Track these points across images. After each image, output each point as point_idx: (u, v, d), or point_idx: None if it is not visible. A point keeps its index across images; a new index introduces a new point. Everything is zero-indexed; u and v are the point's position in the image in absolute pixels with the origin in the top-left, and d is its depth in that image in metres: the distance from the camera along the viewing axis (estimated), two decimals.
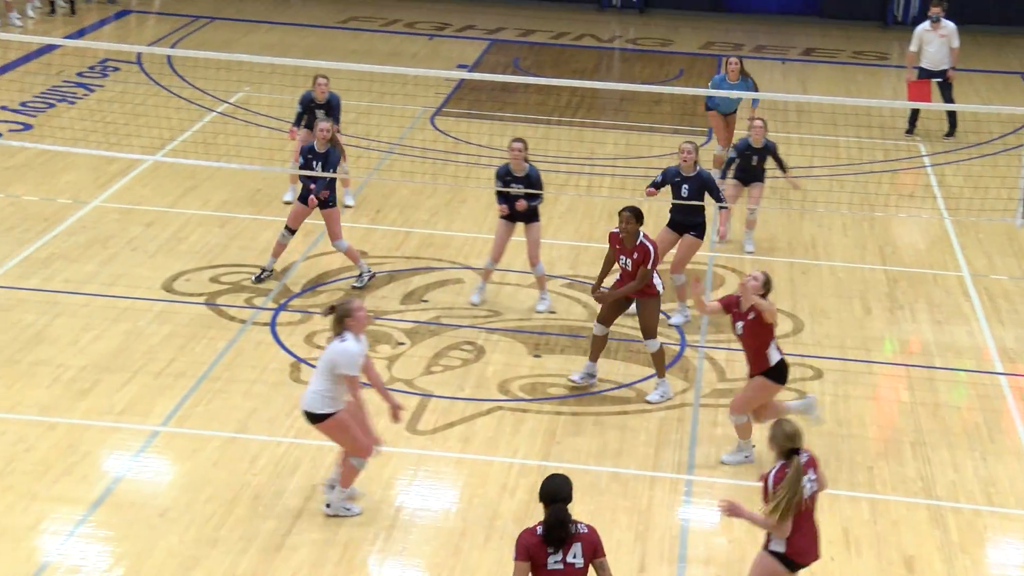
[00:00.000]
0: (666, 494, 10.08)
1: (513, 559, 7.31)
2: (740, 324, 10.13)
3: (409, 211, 15.44)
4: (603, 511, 9.74)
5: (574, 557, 7.26)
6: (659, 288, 11.32)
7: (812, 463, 8.04)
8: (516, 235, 13.11)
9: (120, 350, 11.67)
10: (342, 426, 9.25)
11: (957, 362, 12.46)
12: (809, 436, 9.36)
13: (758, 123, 14.53)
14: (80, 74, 19.90)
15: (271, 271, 13.21)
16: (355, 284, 13.19)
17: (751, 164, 14.60)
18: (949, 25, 18.76)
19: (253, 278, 13.16)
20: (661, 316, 11.88)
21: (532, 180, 12.67)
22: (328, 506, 9.50)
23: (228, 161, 15.63)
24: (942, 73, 18.83)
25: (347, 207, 15.31)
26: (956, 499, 10.20)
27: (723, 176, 14.54)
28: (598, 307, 13.17)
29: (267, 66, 18.03)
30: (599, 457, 10.51)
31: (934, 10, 18.83)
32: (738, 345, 12.45)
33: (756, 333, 10.10)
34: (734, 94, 15.43)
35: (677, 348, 12.45)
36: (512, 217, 12.82)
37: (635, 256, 11.20)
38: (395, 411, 9.40)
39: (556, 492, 7.32)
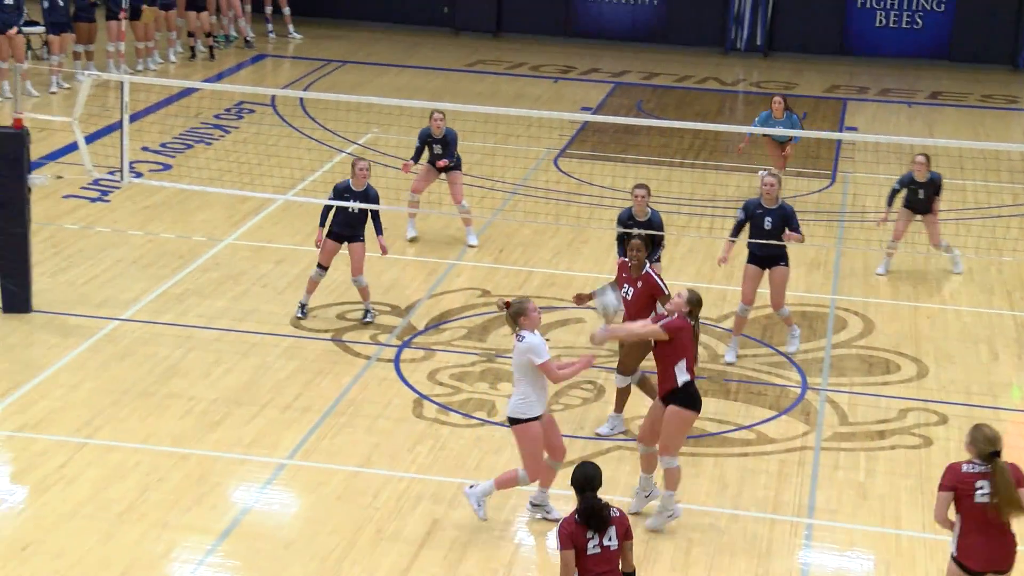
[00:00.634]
0: (786, 537, 10.04)
1: (559, 550, 7.68)
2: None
3: (532, 251, 15.63)
4: (722, 553, 9.75)
5: (609, 540, 7.70)
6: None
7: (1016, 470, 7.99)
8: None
9: (249, 384, 12.00)
10: (534, 438, 9.65)
11: None
12: None
13: (920, 159, 14.97)
14: (217, 116, 20.53)
15: (305, 304, 13.45)
16: (365, 320, 13.37)
17: (917, 197, 15.02)
18: None
19: (298, 312, 13.42)
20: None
21: (654, 224, 12.76)
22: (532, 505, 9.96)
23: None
24: None
25: (470, 246, 15.56)
26: None
27: (888, 204, 15.15)
28: (718, 349, 13.21)
29: (395, 108, 18.46)
30: (718, 498, 10.51)
31: None
32: (861, 388, 12.42)
33: (661, 351, 9.78)
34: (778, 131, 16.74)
35: (798, 390, 12.40)
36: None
37: (638, 286, 11.23)
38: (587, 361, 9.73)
39: (590, 480, 7.79)
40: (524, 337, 9.62)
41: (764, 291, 13.14)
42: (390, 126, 19.59)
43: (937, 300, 14.70)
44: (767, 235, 12.72)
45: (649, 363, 10.66)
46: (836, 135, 19.98)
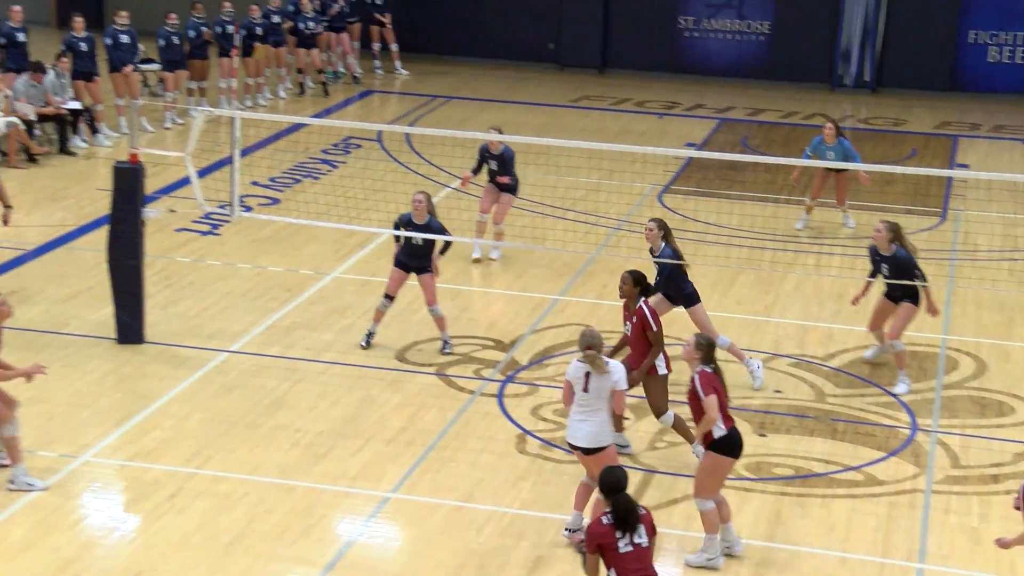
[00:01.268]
0: None
1: (587, 553, 8.07)
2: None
3: None
4: None
5: (639, 537, 8.09)
6: (660, 370, 11.25)
7: None
8: (770, 314, 13.08)
9: (354, 417, 12.10)
10: (613, 456, 9.87)
11: None
12: None
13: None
14: (325, 151, 20.82)
15: (373, 333, 13.55)
16: (444, 351, 13.43)
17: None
18: None
19: (363, 341, 13.52)
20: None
21: (664, 257, 12.57)
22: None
23: (460, 235, 16.10)
24: None
25: (490, 259, 15.84)
26: None
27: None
28: (824, 388, 13.05)
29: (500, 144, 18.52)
30: (826, 540, 10.36)
31: None
32: (973, 430, 12.17)
33: (695, 407, 9.75)
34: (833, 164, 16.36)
35: (908, 431, 12.19)
36: None
37: (634, 320, 11.21)
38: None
39: (620, 482, 8.19)
40: (609, 363, 9.75)
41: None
42: (493, 161, 19.65)
43: None
44: (889, 278, 12.98)
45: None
46: (946, 172, 19.69)
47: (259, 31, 23.06)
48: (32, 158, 19.35)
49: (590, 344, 9.78)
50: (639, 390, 11.41)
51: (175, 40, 21.66)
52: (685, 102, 25.58)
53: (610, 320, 14.56)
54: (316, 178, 19.40)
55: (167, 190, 18.17)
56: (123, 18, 21.00)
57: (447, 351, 13.47)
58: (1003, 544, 8.95)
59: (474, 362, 13.36)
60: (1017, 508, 8.61)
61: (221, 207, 15.07)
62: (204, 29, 22.18)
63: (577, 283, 15.64)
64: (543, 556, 9.95)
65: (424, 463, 11.31)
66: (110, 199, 13.24)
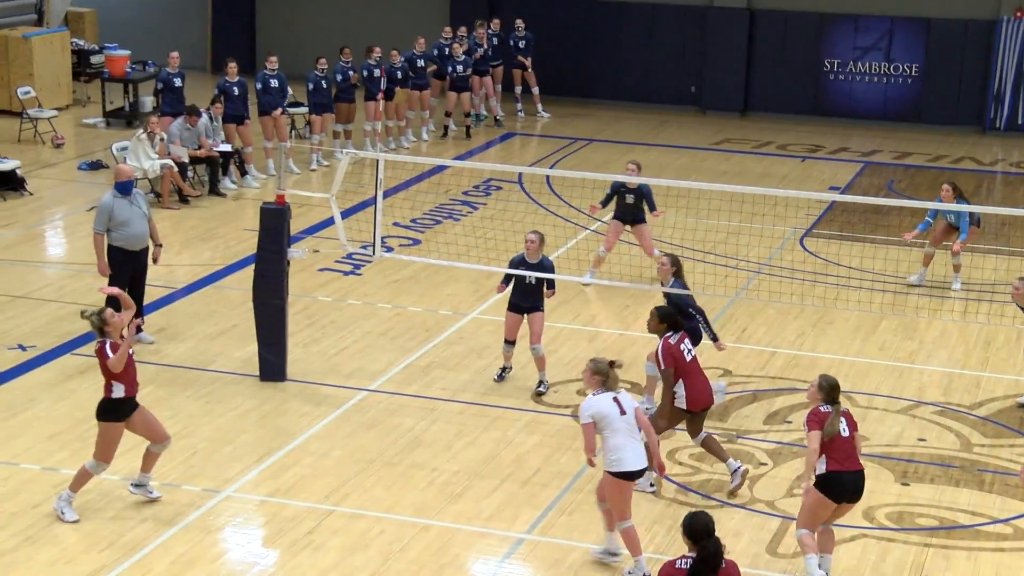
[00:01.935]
0: None
1: None
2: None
3: (775, 331, 15.40)
4: None
5: None
6: (678, 403, 11.26)
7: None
8: (881, 357, 12.80)
9: (490, 457, 12.15)
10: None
11: None
12: None
13: None
14: (465, 193, 21.04)
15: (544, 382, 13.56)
16: (539, 390, 13.42)
17: None
18: None
19: (497, 376, 13.62)
20: None
21: (678, 290, 12.63)
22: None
23: (599, 278, 16.11)
24: None
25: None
26: None
27: None
28: (971, 437, 12.71)
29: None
30: None
31: None
32: None
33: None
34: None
35: None
36: None
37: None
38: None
39: (708, 527, 7.97)
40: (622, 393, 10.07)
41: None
42: (630, 195, 19.64)
43: None
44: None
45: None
46: None
47: (399, 75, 23.44)
48: (184, 199, 19.93)
49: (599, 370, 10.01)
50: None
51: (323, 84, 22.14)
52: (829, 145, 25.27)
53: (748, 365, 14.41)
54: (456, 219, 19.61)
55: (311, 230, 18.54)
56: (272, 63, 21.55)
57: (542, 390, 13.47)
58: None
59: None
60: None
61: (363, 247, 15.31)
62: (351, 73, 22.64)
63: (715, 326, 15.47)
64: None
65: (559, 504, 11.29)
66: (256, 239, 13.55)
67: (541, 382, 13.57)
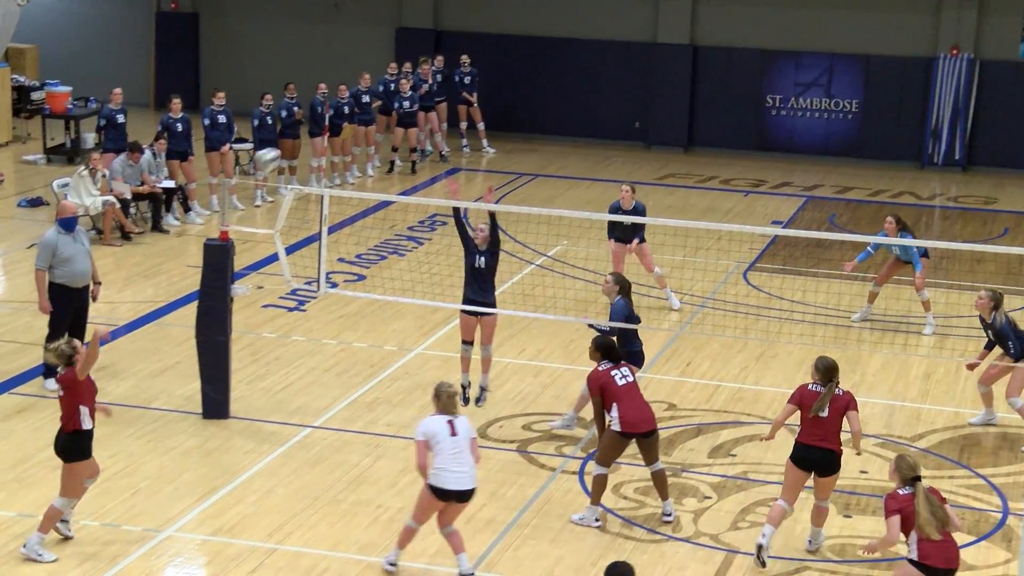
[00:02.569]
0: None
1: None
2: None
3: (719, 364, 15.49)
4: None
5: None
6: (614, 426, 11.40)
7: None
8: None
9: None
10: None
11: None
12: None
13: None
14: (411, 228, 21.05)
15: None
16: (477, 400, 13.71)
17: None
18: None
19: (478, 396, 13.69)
20: None
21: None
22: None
23: (544, 312, 16.15)
24: None
25: (674, 310, 16.79)
26: None
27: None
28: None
29: (585, 221, 18.64)
30: None
31: None
32: None
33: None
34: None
35: (999, 515, 11.92)
36: None
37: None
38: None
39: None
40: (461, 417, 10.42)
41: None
42: (579, 239, 19.78)
43: None
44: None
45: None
46: None
47: (345, 110, 23.47)
48: (126, 236, 19.80)
49: (436, 392, 10.39)
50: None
51: (268, 120, 22.12)
52: (772, 180, 25.53)
53: (693, 398, 14.48)
54: (402, 255, 19.61)
55: (256, 266, 18.47)
56: (220, 99, 21.51)
57: (481, 398, 13.71)
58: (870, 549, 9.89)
59: (556, 439, 13.33)
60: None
61: (308, 283, 15.28)
62: (296, 109, 22.63)
63: (660, 360, 15.58)
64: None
65: (504, 540, 11.28)
66: (200, 275, 13.49)
67: (482, 389, 13.59)
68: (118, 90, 21.63)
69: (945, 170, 26.49)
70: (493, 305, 13.61)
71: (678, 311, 17.10)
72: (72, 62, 29.41)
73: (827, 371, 10.87)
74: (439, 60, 26.32)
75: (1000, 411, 14.07)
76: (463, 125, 26.91)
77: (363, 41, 29.07)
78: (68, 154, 24.55)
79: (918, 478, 9.69)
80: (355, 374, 14.91)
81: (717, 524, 11.66)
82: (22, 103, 26.83)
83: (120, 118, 21.34)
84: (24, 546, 10.62)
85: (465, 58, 26.65)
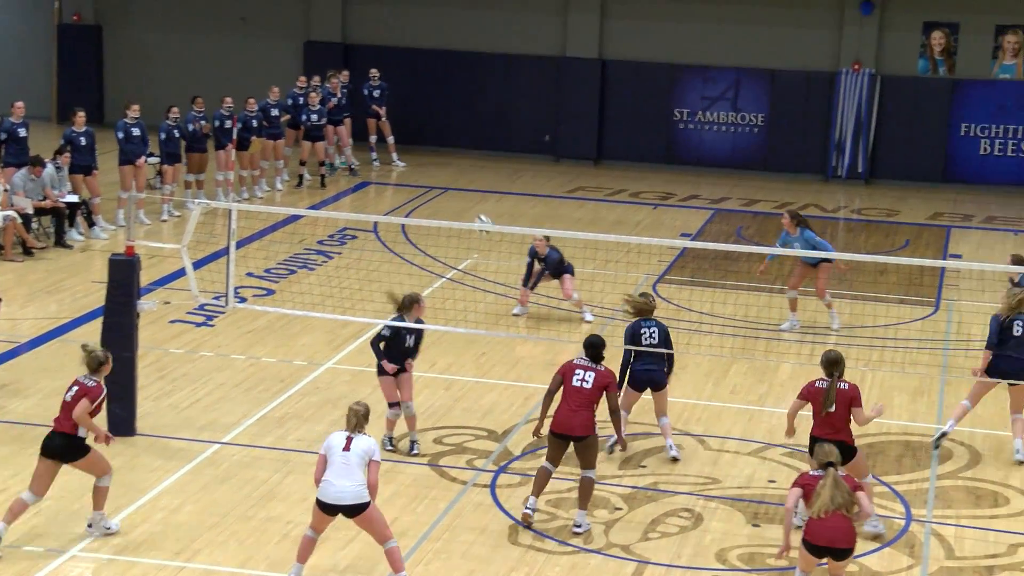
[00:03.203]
0: None
1: None
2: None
3: None
4: None
5: None
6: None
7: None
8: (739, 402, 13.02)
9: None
10: (379, 511, 10.48)
11: None
12: None
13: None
14: (320, 242, 20.94)
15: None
16: (411, 451, 13.31)
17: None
18: None
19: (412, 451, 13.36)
20: None
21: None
22: None
23: (455, 326, 16.14)
24: None
25: (586, 322, 17.12)
26: None
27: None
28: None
29: (496, 234, 18.68)
30: None
31: None
32: (968, 521, 12.07)
33: None
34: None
35: (903, 522, 12.12)
36: None
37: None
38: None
39: None
40: (365, 434, 10.49)
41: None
42: (490, 252, 19.80)
43: None
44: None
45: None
46: (939, 263, 19.78)
47: (255, 124, 23.30)
48: (28, 251, 19.45)
49: (349, 411, 10.53)
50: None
51: (175, 134, 21.88)
52: (680, 193, 25.78)
53: (602, 410, 14.50)
54: (311, 269, 19.49)
55: (162, 282, 18.25)
56: (134, 111, 21.29)
57: (414, 452, 13.21)
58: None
59: (467, 452, 13.32)
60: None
61: (216, 298, 15.12)
62: (203, 123, 22.41)
63: (589, 323, 15.59)
64: None
65: (416, 555, 11.24)
66: (105, 291, 13.29)
67: (413, 443, 13.31)
68: (19, 103, 21.23)
69: (849, 183, 26.94)
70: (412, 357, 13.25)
71: (590, 323, 17.19)
72: None
73: (827, 364, 11.42)
74: (344, 75, 26.17)
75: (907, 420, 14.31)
76: (372, 139, 26.84)
77: (271, 54, 28.88)
78: None
79: (831, 464, 10.03)
80: (264, 389, 14.77)
81: (628, 535, 11.72)
82: None
83: (22, 131, 20.95)
84: (89, 526, 11.17)
85: (374, 72, 26.59)
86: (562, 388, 11.74)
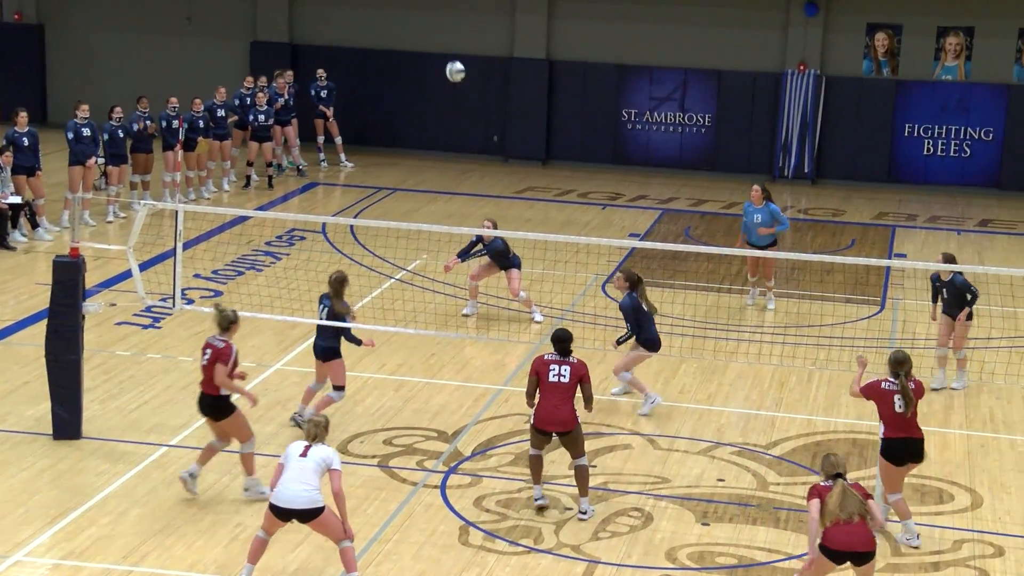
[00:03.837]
0: None
1: None
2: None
3: None
4: None
5: None
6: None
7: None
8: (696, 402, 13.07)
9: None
10: (334, 515, 10.41)
11: None
12: None
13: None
14: (268, 243, 20.82)
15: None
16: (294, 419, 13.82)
17: (942, 298, 15.26)
18: None
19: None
20: None
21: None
22: None
23: (404, 327, 16.11)
24: None
25: (536, 322, 17.14)
26: None
27: (934, 302, 15.46)
28: (766, 475, 13.09)
29: (444, 235, 18.63)
30: None
31: None
32: (914, 518, 12.15)
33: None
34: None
35: None
36: None
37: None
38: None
39: None
40: (325, 444, 10.54)
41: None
42: (439, 252, 19.75)
43: (990, 429, 14.51)
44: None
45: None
46: (885, 262, 19.96)
47: (201, 124, 23.13)
48: None
49: (312, 421, 10.64)
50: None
51: (119, 134, 21.69)
52: (628, 193, 25.85)
53: None
54: (259, 270, 19.37)
55: (108, 283, 18.07)
56: (84, 111, 21.08)
57: (296, 423, 13.68)
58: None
59: (417, 453, 13.30)
60: None
61: (163, 300, 15.00)
62: (149, 123, 22.23)
63: (521, 373, 15.64)
64: None
65: (366, 556, 11.20)
66: (49, 293, 13.14)
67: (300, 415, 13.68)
68: None
69: (795, 183, 27.12)
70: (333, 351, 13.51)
71: (540, 324, 17.20)
72: None
73: (896, 364, 11.57)
74: (289, 75, 26.02)
75: (851, 417, 14.45)
76: (320, 139, 26.72)
77: (217, 54, 28.68)
78: None
79: (839, 475, 10.07)
80: None
81: (578, 535, 11.73)
82: None
83: None
84: (246, 490, 11.95)
85: (322, 72, 26.48)
86: (540, 384, 11.92)
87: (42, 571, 10.72)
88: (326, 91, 26.52)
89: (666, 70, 27.58)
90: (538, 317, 17.39)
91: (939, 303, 15.33)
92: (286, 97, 25.51)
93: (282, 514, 10.37)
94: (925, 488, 12.95)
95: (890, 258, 21.52)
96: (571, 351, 12.08)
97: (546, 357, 12.04)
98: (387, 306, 17.54)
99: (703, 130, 27.62)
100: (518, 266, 17.39)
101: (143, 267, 15.62)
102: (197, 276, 18.60)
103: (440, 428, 13.94)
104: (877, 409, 11.63)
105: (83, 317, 13.14)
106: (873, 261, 18.89)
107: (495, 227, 16.88)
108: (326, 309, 13.49)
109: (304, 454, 10.39)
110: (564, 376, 11.87)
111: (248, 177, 24.66)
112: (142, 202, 14.30)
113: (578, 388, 11.95)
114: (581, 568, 11.15)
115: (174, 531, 11.46)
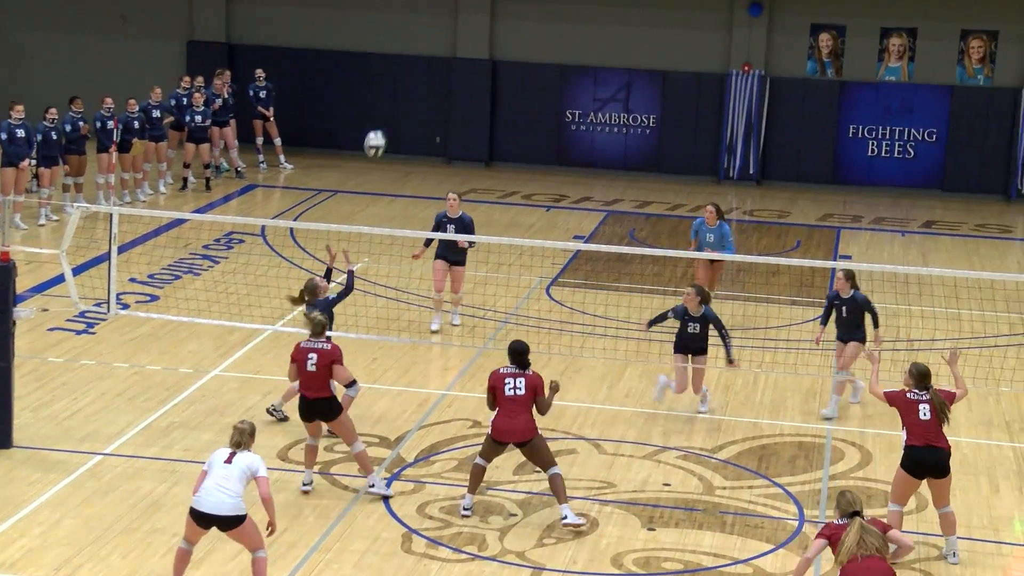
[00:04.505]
0: None
1: None
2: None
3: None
4: None
5: None
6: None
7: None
8: (628, 404, 12.91)
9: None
10: (254, 524, 10.22)
11: None
12: None
13: (839, 274, 14.85)
14: (206, 247, 20.47)
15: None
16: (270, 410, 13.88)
17: (841, 315, 14.70)
18: None
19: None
20: None
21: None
22: None
23: (346, 331, 15.84)
24: None
25: (453, 325, 16.66)
26: None
27: (823, 323, 15.03)
28: (712, 479, 12.96)
29: (387, 237, 18.42)
30: None
31: None
32: None
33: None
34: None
35: (796, 523, 12.11)
36: None
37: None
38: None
39: None
40: (250, 449, 10.41)
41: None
42: (381, 255, 19.51)
43: None
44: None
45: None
46: (830, 263, 19.92)
47: (136, 125, 22.74)
48: None
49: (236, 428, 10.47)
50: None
51: (52, 135, 21.26)
52: (573, 195, 25.71)
53: None
54: (197, 274, 19.03)
55: (40, 288, 17.66)
56: (19, 112, 20.67)
57: (272, 414, 13.78)
58: None
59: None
60: None
61: (97, 305, 14.67)
62: (82, 124, 21.81)
63: (464, 378, 15.43)
64: None
65: (307, 565, 10.96)
66: None
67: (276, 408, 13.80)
68: None
69: (740, 184, 27.10)
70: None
71: (457, 326, 16.95)
72: None
73: (921, 377, 11.41)
74: (227, 75, 25.65)
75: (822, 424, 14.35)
76: (259, 140, 26.36)
77: (153, 54, 28.24)
78: None
79: (857, 513, 9.72)
80: (149, 398, 14.34)
81: (523, 541, 11.54)
82: None
83: None
84: (371, 486, 12.09)
85: (260, 72, 26.14)
86: (496, 398, 11.85)
87: None
88: (265, 92, 26.17)
89: (610, 71, 27.48)
90: (456, 320, 17.08)
91: (827, 325, 14.81)
92: (224, 97, 25.15)
93: (203, 520, 10.12)
94: (871, 491, 12.87)
95: (835, 260, 21.51)
96: (528, 363, 11.94)
97: (501, 371, 11.95)
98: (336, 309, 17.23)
99: (648, 131, 27.53)
100: (464, 264, 17.07)
101: (76, 271, 15.27)
102: (132, 280, 18.23)
103: (382, 434, 13.71)
104: (900, 417, 11.43)
105: (14, 323, 12.81)
106: (819, 263, 18.83)
107: (458, 198, 16.78)
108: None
109: (229, 460, 10.18)
110: (520, 389, 11.80)
111: (185, 179, 24.27)
112: (75, 205, 13.96)
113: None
114: (526, 574, 10.96)
115: (109, 541, 11.16)
